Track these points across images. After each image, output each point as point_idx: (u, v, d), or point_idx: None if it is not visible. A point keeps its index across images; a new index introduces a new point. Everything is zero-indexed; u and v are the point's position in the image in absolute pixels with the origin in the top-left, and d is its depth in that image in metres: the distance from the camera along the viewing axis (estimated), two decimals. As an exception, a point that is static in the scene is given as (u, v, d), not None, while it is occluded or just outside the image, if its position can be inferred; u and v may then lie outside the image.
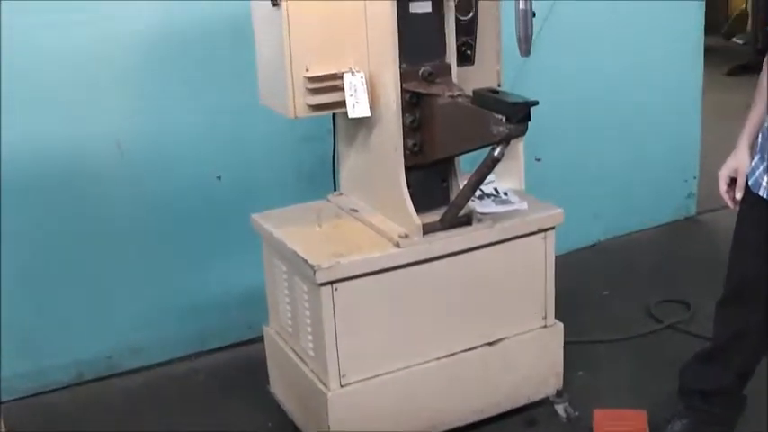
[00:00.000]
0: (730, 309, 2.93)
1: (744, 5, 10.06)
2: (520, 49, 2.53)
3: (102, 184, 3.58)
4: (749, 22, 9.82)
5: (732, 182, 2.85)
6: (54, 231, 3.54)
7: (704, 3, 4.93)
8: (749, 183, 2.77)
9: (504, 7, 3.02)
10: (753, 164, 2.77)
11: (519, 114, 2.56)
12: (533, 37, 2.64)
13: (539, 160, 4.21)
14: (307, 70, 2.77)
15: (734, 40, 9.83)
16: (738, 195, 2.82)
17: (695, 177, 5.10)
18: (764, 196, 2.70)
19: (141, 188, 3.64)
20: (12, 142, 3.35)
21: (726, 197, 2.88)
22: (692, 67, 4.97)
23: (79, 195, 3.55)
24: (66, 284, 3.59)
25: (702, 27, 4.95)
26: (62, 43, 3.40)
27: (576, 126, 4.53)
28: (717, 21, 9.37)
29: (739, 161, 2.82)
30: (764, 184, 2.70)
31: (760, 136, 2.78)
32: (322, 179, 3.36)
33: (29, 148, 3.40)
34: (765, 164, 2.71)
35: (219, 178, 3.72)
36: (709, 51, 5.11)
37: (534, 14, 2.57)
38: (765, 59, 2.78)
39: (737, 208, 2.86)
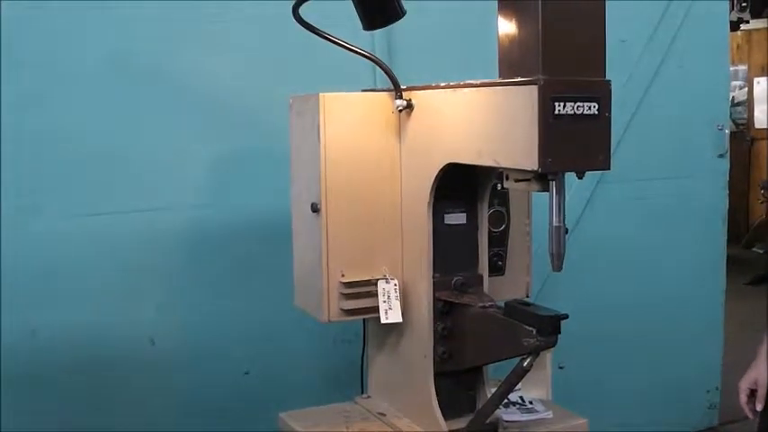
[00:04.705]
0: None
1: (763, 215, 10.21)
2: (552, 264, 2.55)
3: (132, 377, 3.61)
4: (769, 231, 9.97)
5: (752, 393, 2.88)
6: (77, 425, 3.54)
7: (727, 214, 5.05)
8: None
9: (535, 221, 3.11)
10: None
11: (549, 327, 2.58)
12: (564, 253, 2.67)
13: (562, 368, 4.23)
14: (342, 275, 2.82)
15: (754, 249, 9.93)
16: (759, 407, 2.86)
17: (717, 388, 5.10)
18: None
19: (170, 381, 3.67)
20: (44, 335, 3.41)
21: (746, 408, 2.92)
22: (715, 277, 5.04)
23: (107, 387, 3.57)
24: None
25: (725, 238, 5.05)
26: (98, 235, 3.50)
27: (599, 336, 4.57)
28: (737, 231, 9.49)
29: (759, 373, 2.87)
30: None
31: None
32: (350, 381, 3.39)
33: (62, 340, 3.44)
34: None
35: (247, 373, 3.76)
36: (729, 261, 5.19)
37: (567, 231, 2.58)
38: None
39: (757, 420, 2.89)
